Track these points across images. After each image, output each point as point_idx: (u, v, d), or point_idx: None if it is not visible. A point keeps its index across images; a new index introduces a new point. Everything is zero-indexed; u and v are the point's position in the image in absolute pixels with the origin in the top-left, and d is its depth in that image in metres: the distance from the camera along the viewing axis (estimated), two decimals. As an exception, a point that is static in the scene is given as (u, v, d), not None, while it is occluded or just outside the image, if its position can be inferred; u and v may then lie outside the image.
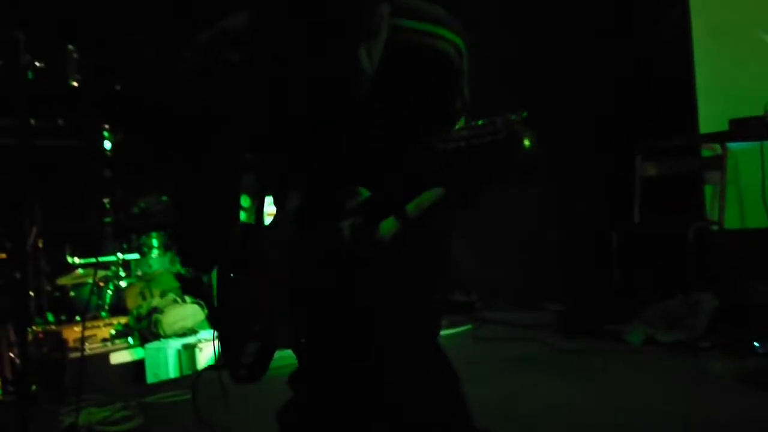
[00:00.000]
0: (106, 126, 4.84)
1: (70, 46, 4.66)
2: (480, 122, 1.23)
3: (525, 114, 1.20)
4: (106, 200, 4.84)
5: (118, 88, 4.96)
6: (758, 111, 4.09)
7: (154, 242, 5.01)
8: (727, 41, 4.87)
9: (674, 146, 4.78)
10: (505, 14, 5.15)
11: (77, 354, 3.82)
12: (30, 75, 4.26)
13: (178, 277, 4.84)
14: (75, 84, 4.73)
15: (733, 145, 4.60)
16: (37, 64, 4.35)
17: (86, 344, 4.04)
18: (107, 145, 4.84)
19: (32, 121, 4.36)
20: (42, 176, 4.46)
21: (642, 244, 4.66)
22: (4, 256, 3.88)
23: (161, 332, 4.26)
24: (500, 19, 5.16)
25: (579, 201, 5.20)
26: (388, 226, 1.55)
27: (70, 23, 4.94)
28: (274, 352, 1.79)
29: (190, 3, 5.12)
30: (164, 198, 5.12)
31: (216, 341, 1.90)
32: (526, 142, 1.19)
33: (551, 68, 5.18)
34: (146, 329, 4.31)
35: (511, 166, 1.20)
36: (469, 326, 4.86)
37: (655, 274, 4.65)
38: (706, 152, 4.82)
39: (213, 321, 2.01)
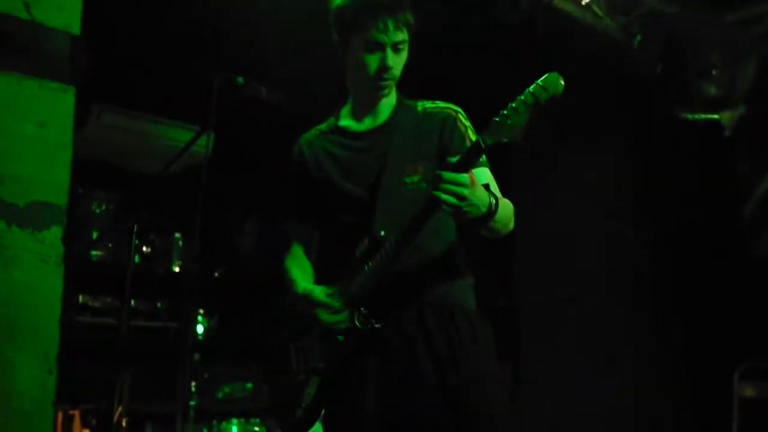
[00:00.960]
0: (201, 310, 5.00)
1: (177, 234, 4.93)
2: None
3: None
4: (192, 383, 4.89)
5: (216, 274, 5.16)
6: None
7: (234, 429, 4.99)
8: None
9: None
10: (606, 232, 5.22)
11: None
12: (137, 259, 4.52)
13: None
14: (177, 269, 4.96)
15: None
16: (144, 249, 4.62)
17: None
18: (200, 328, 4.98)
19: (133, 303, 4.55)
20: (135, 355, 4.58)
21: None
22: (88, 433, 3.94)
23: None
24: (599, 239, 5.23)
25: (674, 419, 4.99)
26: None
27: (179, 209, 5.24)
28: (328, 393, 2.16)
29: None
30: (248, 385, 5.15)
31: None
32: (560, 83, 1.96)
33: (653, 284, 5.17)
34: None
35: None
36: None
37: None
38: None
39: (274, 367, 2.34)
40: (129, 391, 4.56)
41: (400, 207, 2.12)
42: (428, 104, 2.32)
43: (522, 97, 1.93)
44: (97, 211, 4.55)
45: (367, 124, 2.31)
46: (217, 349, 5.16)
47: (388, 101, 2.30)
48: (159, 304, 4.79)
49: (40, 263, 2.33)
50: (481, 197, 1.98)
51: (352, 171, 2.26)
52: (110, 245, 4.54)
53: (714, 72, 4.50)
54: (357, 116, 2.32)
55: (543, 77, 1.94)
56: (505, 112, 1.94)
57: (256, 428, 5.09)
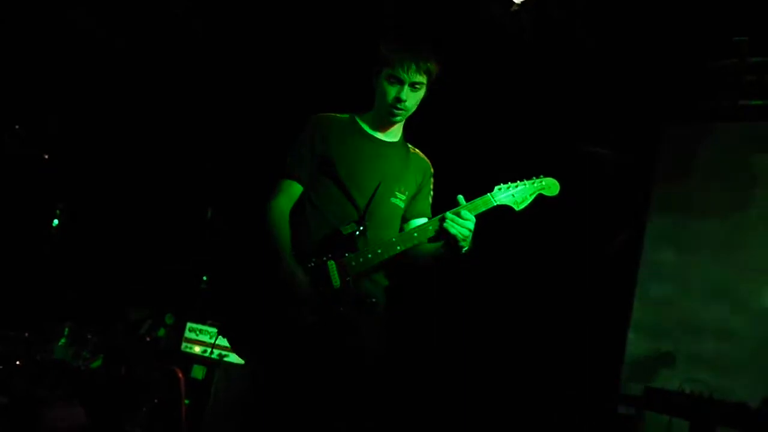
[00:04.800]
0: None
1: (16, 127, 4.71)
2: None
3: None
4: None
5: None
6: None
7: (66, 331, 4.91)
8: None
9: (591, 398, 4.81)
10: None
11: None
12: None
13: (76, 373, 4.74)
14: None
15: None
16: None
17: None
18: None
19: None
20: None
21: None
22: None
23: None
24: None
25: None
26: None
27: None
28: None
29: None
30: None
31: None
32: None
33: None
34: (20, 419, 4.15)
35: None
36: None
37: None
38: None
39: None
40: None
41: (383, 211, 2.83)
42: (415, 149, 3.02)
43: (534, 188, 2.72)
44: None
45: (380, 136, 2.94)
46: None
47: (399, 128, 2.97)
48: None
49: None
50: (471, 238, 2.64)
51: (361, 164, 2.84)
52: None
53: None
54: (374, 127, 2.94)
55: (549, 181, 2.74)
56: (517, 187, 2.71)
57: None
